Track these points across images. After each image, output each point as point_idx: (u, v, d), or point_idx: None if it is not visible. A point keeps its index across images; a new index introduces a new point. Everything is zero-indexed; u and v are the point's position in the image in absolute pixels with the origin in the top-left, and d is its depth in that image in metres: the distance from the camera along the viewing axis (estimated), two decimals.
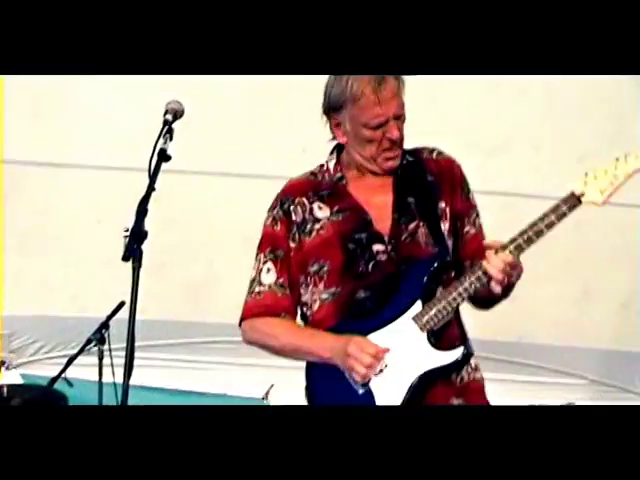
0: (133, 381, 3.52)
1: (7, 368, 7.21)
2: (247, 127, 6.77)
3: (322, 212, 4.01)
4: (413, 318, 3.82)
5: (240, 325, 4.13)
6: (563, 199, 3.75)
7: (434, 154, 4.10)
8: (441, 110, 6.88)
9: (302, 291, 4.04)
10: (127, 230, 3.60)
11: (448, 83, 6.34)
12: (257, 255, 4.13)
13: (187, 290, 7.03)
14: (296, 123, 6.58)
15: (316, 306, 4.00)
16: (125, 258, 3.57)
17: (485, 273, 3.73)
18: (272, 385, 7.18)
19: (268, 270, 4.10)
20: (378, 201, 4.01)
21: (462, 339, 3.88)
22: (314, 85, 6.02)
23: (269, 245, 4.07)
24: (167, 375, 7.33)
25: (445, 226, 4.01)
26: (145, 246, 3.58)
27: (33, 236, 6.90)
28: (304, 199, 4.05)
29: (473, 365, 3.97)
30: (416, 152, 4.10)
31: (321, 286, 3.98)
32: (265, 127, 6.80)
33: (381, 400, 3.82)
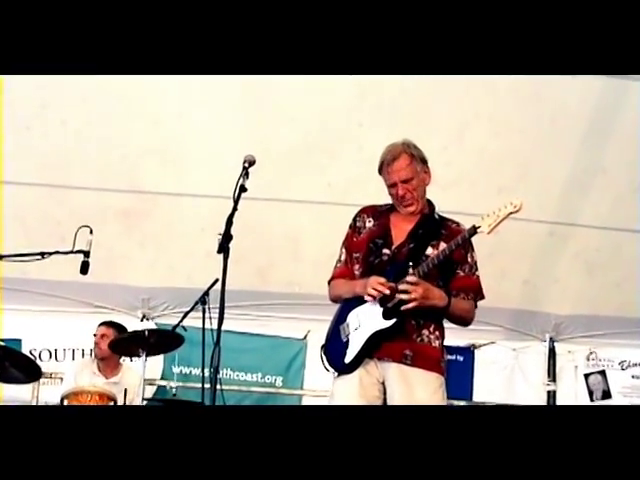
0: (223, 327, 3.71)
1: (147, 319, 7.29)
2: (291, 169, 6.42)
3: (369, 223, 4.13)
4: (379, 298, 3.90)
5: (329, 284, 4.21)
6: (467, 230, 3.80)
7: (454, 225, 4.08)
8: None
9: (356, 265, 4.11)
10: (220, 234, 3.77)
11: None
12: (341, 246, 4.21)
13: (255, 271, 6.89)
14: (325, 166, 6.47)
15: (356, 276, 4.09)
16: (219, 252, 3.76)
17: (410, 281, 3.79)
18: (309, 330, 7.42)
19: (342, 255, 4.18)
20: (402, 226, 4.07)
21: (398, 315, 3.83)
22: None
23: (345, 241, 4.19)
24: (243, 324, 7.26)
25: (433, 251, 3.93)
26: (231, 245, 3.77)
27: (164, 239, 6.83)
28: (365, 215, 4.16)
29: (436, 334, 3.96)
30: (444, 219, 4.11)
31: (357, 265, 4.11)
32: (302, 168, 6.44)
33: (352, 344, 3.93)
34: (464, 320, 4.05)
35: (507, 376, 7.64)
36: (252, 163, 3.94)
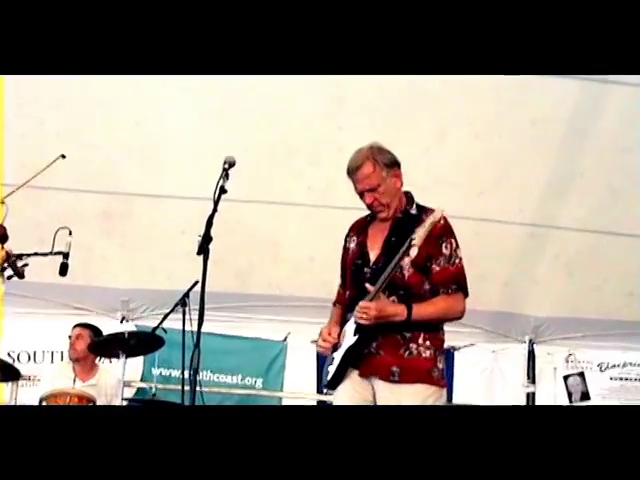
0: (203, 329, 3.78)
1: (126, 321, 7.30)
2: (272, 173, 6.43)
3: (353, 244, 4.10)
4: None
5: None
6: (405, 245, 3.66)
7: (430, 217, 3.84)
8: None
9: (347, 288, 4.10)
10: (200, 236, 3.81)
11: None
12: None
13: (235, 274, 6.91)
14: (305, 170, 6.42)
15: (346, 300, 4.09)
16: (199, 253, 3.79)
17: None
18: (289, 332, 7.47)
19: (341, 276, 4.22)
20: (377, 237, 4.01)
21: (362, 331, 3.81)
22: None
23: (340, 263, 4.20)
24: (223, 326, 7.29)
25: (406, 261, 3.81)
26: (211, 246, 3.80)
27: (144, 240, 6.83)
28: (352, 234, 4.13)
29: (427, 344, 3.88)
30: (422, 211, 3.96)
31: (347, 288, 4.10)
32: (283, 173, 6.46)
33: (334, 362, 3.94)
34: (447, 318, 3.99)
35: (486, 378, 7.66)
36: (232, 164, 3.95)
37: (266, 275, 7.06)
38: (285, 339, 7.56)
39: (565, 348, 7.67)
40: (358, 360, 3.89)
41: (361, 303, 3.79)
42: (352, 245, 4.11)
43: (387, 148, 4.04)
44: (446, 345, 7.20)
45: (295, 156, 6.40)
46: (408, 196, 4.08)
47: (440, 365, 3.93)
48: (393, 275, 3.79)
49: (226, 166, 3.93)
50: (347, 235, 4.19)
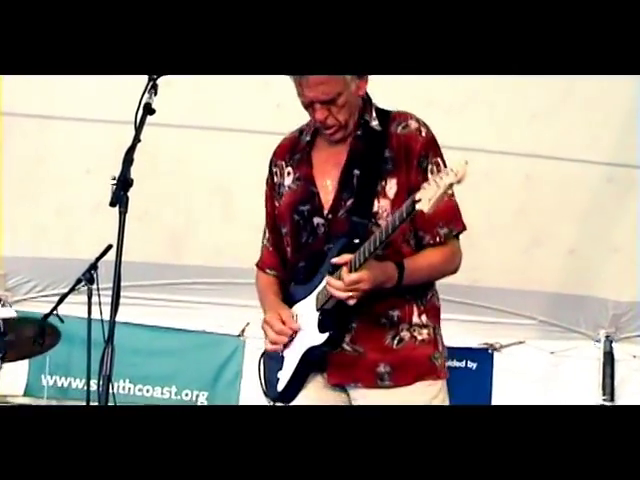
0: (118, 318, 3.61)
1: (3, 305, 7.32)
2: (225, 84, 6.43)
3: (288, 179, 4.10)
4: (316, 295, 3.91)
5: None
6: (406, 206, 3.57)
7: (399, 128, 3.94)
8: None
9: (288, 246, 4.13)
10: (114, 178, 3.63)
11: None
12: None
13: (168, 235, 7.10)
14: (271, 80, 6.26)
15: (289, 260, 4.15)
16: (112, 204, 3.64)
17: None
18: (248, 323, 7.50)
19: (266, 229, 4.26)
20: (329, 171, 4.01)
21: (334, 325, 3.83)
22: None
23: (265, 206, 4.24)
24: (149, 313, 7.41)
25: (383, 203, 3.87)
26: (130, 193, 3.64)
27: (27, 184, 6.93)
28: (283, 162, 4.14)
29: (422, 319, 3.92)
30: (387, 123, 3.97)
31: (288, 246, 4.12)
32: (242, 84, 6.42)
33: (285, 363, 3.97)
34: (442, 275, 4.00)
35: (542, 390, 7.69)
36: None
37: (214, 238, 7.12)
38: (242, 333, 7.65)
39: None
40: (325, 362, 3.94)
41: (346, 277, 3.72)
42: (288, 181, 4.12)
43: None
44: (481, 343, 7.55)
45: None
46: (364, 98, 4.06)
47: (441, 347, 3.99)
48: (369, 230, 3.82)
49: (153, 75, 3.83)
50: (272, 162, 4.22)
